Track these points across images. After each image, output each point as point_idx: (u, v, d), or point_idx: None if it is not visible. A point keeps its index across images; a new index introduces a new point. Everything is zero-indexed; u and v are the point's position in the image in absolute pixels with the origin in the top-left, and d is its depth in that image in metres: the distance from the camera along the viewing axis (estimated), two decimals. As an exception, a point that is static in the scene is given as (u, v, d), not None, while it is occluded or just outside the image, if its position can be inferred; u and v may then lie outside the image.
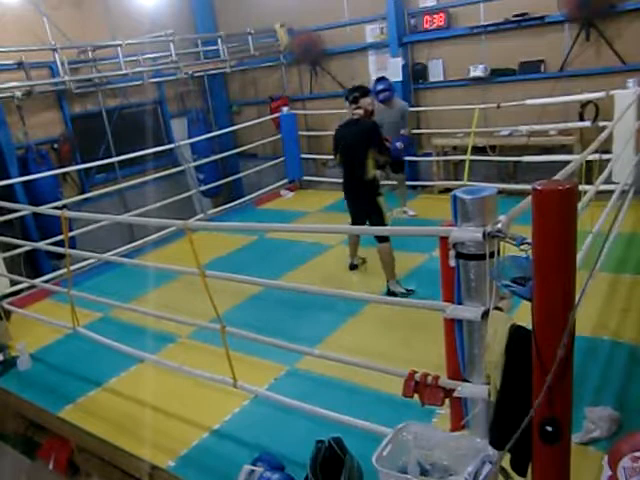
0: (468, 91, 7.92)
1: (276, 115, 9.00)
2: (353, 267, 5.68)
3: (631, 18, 6.64)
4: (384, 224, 4.98)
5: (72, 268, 4.94)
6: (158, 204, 7.29)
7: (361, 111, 5.06)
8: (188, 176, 8.41)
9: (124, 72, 7.85)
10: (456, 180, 7.67)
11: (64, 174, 7.76)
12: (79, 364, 4.51)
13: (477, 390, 2.38)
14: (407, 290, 4.97)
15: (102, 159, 7.50)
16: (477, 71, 7.77)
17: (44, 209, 5.60)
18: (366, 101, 5.10)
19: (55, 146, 7.81)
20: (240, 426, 3.51)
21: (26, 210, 6.10)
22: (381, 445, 2.24)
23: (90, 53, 8.04)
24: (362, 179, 4.98)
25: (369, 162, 4.94)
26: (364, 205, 5.07)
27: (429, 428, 2.49)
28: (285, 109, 8.88)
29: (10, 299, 5.63)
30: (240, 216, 8.00)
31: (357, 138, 4.96)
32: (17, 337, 4.96)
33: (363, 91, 5.18)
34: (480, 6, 7.64)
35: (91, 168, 7.84)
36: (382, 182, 5.54)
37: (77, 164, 7.67)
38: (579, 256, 3.11)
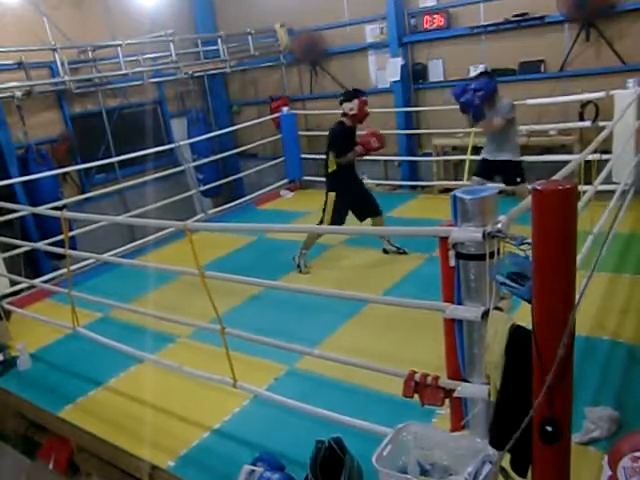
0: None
1: (276, 115, 9.00)
2: (385, 252, 6.02)
3: (631, 18, 6.64)
4: (322, 216, 5.68)
5: (72, 268, 4.94)
6: (158, 204, 7.29)
7: (342, 112, 5.57)
8: (188, 176, 8.41)
9: (124, 72, 7.86)
10: (456, 180, 7.67)
11: (64, 174, 7.76)
12: (79, 364, 4.51)
13: (477, 390, 2.38)
14: (300, 266, 5.70)
15: (102, 159, 7.50)
16: (477, 71, 7.75)
17: (44, 210, 5.60)
18: (347, 106, 5.51)
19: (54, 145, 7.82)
20: (240, 426, 3.52)
21: (26, 210, 6.10)
22: (381, 445, 2.24)
23: (90, 53, 8.05)
24: (325, 172, 5.74)
25: (330, 159, 5.60)
26: (326, 188, 5.78)
27: (429, 428, 2.49)
28: (285, 109, 8.88)
29: (10, 299, 5.63)
30: (240, 216, 8.00)
31: (327, 138, 5.66)
32: (17, 337, 4.96)
33: (346, 97, 5.59)
34: (480, 6, 7.64)
35: (91, 168, 7.85)
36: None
37: (74, 164, 7.65)
38: (579, 256, 3.11)
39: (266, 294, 5.13)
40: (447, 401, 2.56)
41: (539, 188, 1.81)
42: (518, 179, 5.65)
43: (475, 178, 5.94)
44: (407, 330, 4.24)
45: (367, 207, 5.84)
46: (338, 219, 5.61)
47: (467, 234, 2.18)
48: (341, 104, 5.55)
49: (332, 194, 5.64)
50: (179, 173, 8.07)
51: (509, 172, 5.68)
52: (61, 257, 6.12)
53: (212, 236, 6.43)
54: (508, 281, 2.04)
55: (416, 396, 2.57)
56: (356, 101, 5.46)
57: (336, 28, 8.96)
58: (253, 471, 2.85)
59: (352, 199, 5.74)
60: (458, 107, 5.63)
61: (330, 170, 5.64)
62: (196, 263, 3.14)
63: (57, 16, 7.83)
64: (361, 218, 5.85)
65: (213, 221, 7.82)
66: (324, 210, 5.70)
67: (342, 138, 5.55)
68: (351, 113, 5.49)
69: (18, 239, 6.11)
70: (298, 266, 5.73)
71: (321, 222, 5.70)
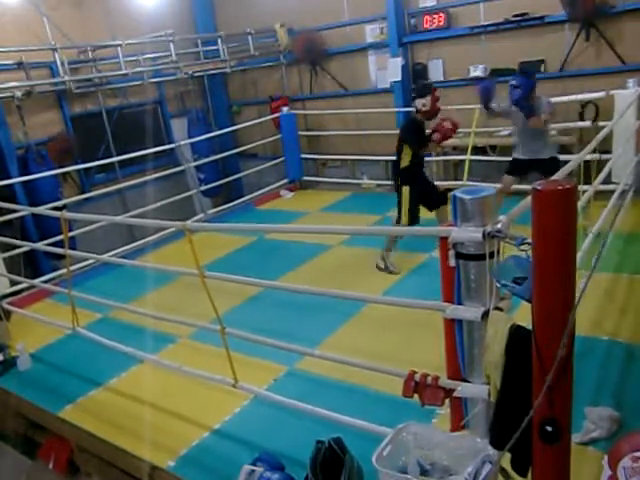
0: (468, 91, 7.91)
1: (276, 115, 9.01)
2: None
3: (631, 18, 6.64)
4: (400, 210, 5.60)
5: (72, 268, 4.94)
6: (158, 204, 7.28)
7: (415, 109, 5.55)
8: (188, 176, 8.41)
9: (124, 72, 7.86)
10: (456, 180, 7.67)
11: (64, 174, 7.76)
12: (79, 364, 4.51)
13: (477, 390, 2.38)
14: (389, 267, 5.60)
15: (102, 159, 7.50)
16: (477, 71, 7.78)
17: (44, 210, 5.60)
18: (419, 102, 5.46)
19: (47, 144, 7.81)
20: (240, 426, 3.52)
21: (26, 210, 6.10)
22: (381, 445, 2.24)
23: (90, 53, 8.05)
24: (397, 167, 5.65)
25: (404, 153, 5.51)
26: (395, 189, 5.73)
27: (429, 428, 2.50)
28: (285, 109, 8.88)
29: (10, 299, 5.63)
30: (240, 216, 8.00)
31: (400, 131, 5.69)
32: (17, 337, 4.96)
33: (419, 92, 5.55)
34: (480, 6, 7.65)
35: (91, 168, 7.84)
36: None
37: (72, 163, 7.62)
38: (579, 256, 3.11)
39: (266, 294, 5.12)
40: (447, 401, 2.56)
41: (539, 188, 1.81)
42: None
43: (508, 177, 5.84)
44: (407, 330, 4.24)
45: (437, 196, 5.76)
46: (415, 215, 5.61)
47: (467, 234, 2.18)
48: (413, 100, 5.52)
49: (406, 188, 5.55)
50: (179, 173, 8.07)
51: (551, 168, 5.35)
52: (61, 257, 6.12)
53: (212, 236, 6.43)
54: (509, 283, 2.04)
55: (416, 396, 2.57)
56: (429, 97, 5.40)
57: (336, 28, 8.96)
58: (253, 471, 2.85)
59: (422, 191, 5.69)
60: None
61: (402, 165, 5.58)
62: (196, 263, 3.14)
63: (57, 16, 7.82)
64: (431, 208, 5.77)
65: (213, 221, 7.82)
66: (399, 207, 5.64)
67: (418, 132, 5.52)
68: (424, 109, 5.42)
69: (18, 239, 6.11)
70: (386, 268, 5.63)
71: (399, 220, 5.65)
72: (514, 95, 5.39)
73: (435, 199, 5.73)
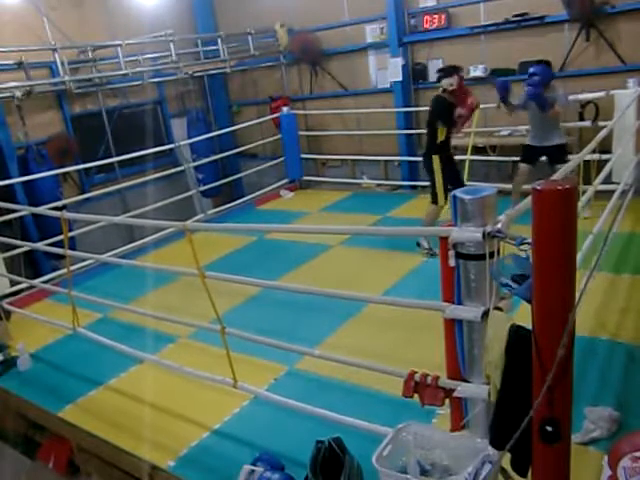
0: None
1: (276, 115, 9.01)
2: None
3: (631, 18, 6.64)
4: (433, 180, 5.75)
5: (72, 268, 4.94)
6: (158, 204, 7.28)
7: (441, 88, 5.74)
8: (188, 176, 8.40)
9: (124, 72, 7.86)
10: (456, 180, 7.66)
11: (64, 174, 7.76)
12: (79, 364, 4.51)
13: (477, 390, 2.38)
14: (433, 248, 5.46)
15: (102, 159, 7.50)
16: (477, 71, 7.78)
17: (44, 210, 5.60)
18: (447, 82, 5.66)
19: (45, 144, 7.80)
20: (240, 426, 3.52)
21: (25, 210, 6.10)
22: (381, 445, 2.24)
23: (90, 53, 8.05)
24: (430, 142, 5.81)
25: (438, 130, 5.69)
26: (424, 162, 5.91)
27: (429, 428, 2.49)
28: (285, 109, 8.88)
29: (10, 299, 5.63)
30: (240, 216, 8.00)
31: (430, 110, 5.88)
32: (17, 337, 4.96)
33: (445, 72, 5.74)
34: (480, 6, 7.65)
35: (91, 168, 7.85)
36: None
37: (71, 163, 7.62)
38: (579, 256, 3.11)
39: (266, 294, 5.12)
40: (447, 401, 2.56)
41: (539, 188, 1.81)
42: (567, 158, 5.77)
43: (523, 165, 6.10)
44: (407, 330, 4.24)
45: (458, 178, 5.95)
46: (446, 193, 5.69)
47: (467, 234, 2.18)
48: (439, 80, 5.71)
49: (439, 174, 5.71)
50: (179, 173, 8.06)
51: (559, 154, 5.87)
52: (61, 257, 6.13)
53: (212, 236, 6.42)
54: (509, 281, 2.04)
55: (416, 396, 2.57)
56: (456, 77, 5.62)
57: (336, 28, 8.96)
58: (253, 471, 2.85)
59: (451, 168, 5.89)
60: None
61: (439, 140, 5.73)
62: (196, 263, 3.14)
63: (57, 16, 7.82)
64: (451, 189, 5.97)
65: (213, 221, 7.82)
66: (433, 186, 5.77)
67: (448, 110, 5.67)
68: (450, 89, 5.63)
69: (18, 239, 6.11)
70: (430, 250, 5.56)
71: (435, 201, 5.75)
72: (532, 82, 5.63)
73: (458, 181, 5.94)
